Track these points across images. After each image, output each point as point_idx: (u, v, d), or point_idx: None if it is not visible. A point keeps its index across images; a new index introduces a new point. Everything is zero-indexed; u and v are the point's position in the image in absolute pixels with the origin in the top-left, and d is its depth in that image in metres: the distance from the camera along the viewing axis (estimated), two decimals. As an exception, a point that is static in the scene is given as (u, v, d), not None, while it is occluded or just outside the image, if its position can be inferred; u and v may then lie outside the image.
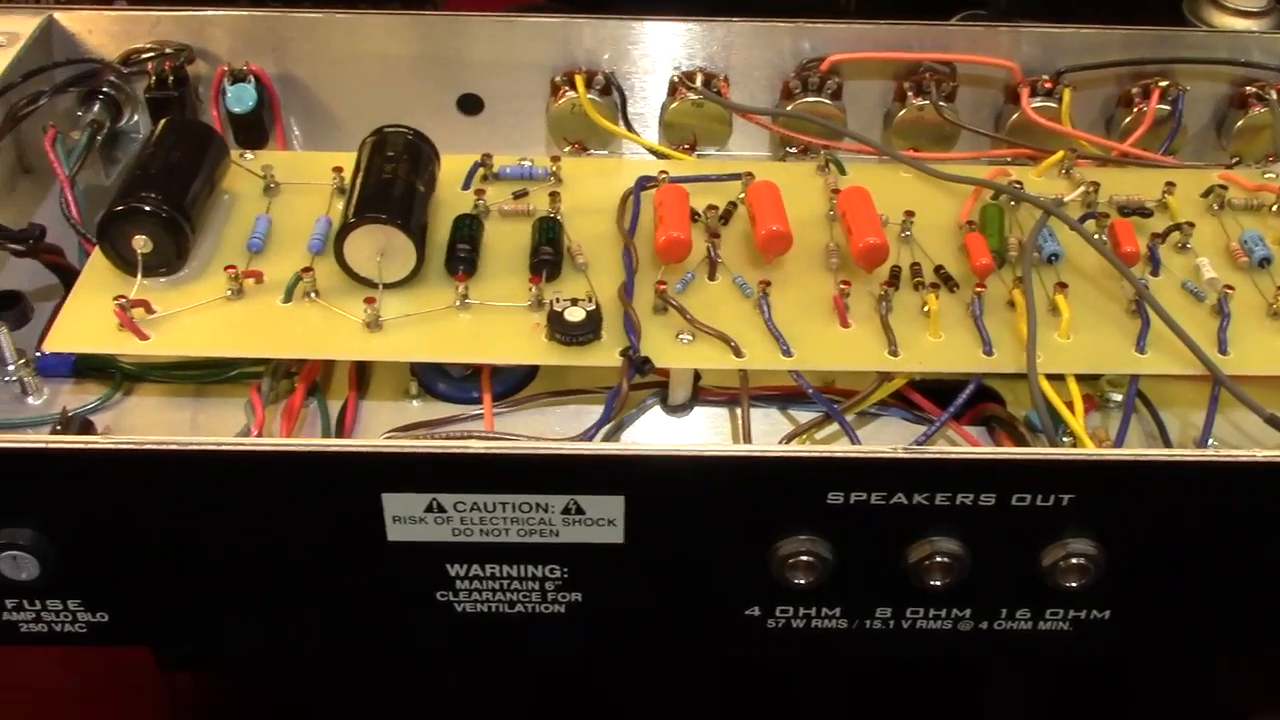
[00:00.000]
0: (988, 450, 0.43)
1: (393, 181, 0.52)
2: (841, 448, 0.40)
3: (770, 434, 0.50)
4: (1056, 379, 0.49)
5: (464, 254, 0.52)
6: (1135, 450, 0.46)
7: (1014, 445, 0.50)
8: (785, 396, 0.52)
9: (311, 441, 0.38)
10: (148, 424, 0.50)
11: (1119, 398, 0.52)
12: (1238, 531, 0.43)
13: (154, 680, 0.61)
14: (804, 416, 0.52)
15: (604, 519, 0.40)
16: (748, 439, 0.48)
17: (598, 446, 0.39)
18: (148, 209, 0.49)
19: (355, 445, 0.39)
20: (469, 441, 0.40)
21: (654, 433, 0.51)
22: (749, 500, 0.40)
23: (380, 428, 0.50)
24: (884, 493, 0.40)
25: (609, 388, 0.52)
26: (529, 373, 0.53)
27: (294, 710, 0.61)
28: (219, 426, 0.51)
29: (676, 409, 0.52)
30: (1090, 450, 0.45)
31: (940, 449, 0.41)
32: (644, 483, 0.40)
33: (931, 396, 0.51)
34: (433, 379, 0.52)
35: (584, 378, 0.52)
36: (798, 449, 0.39)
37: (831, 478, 0.39)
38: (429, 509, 0.40)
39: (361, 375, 0.52)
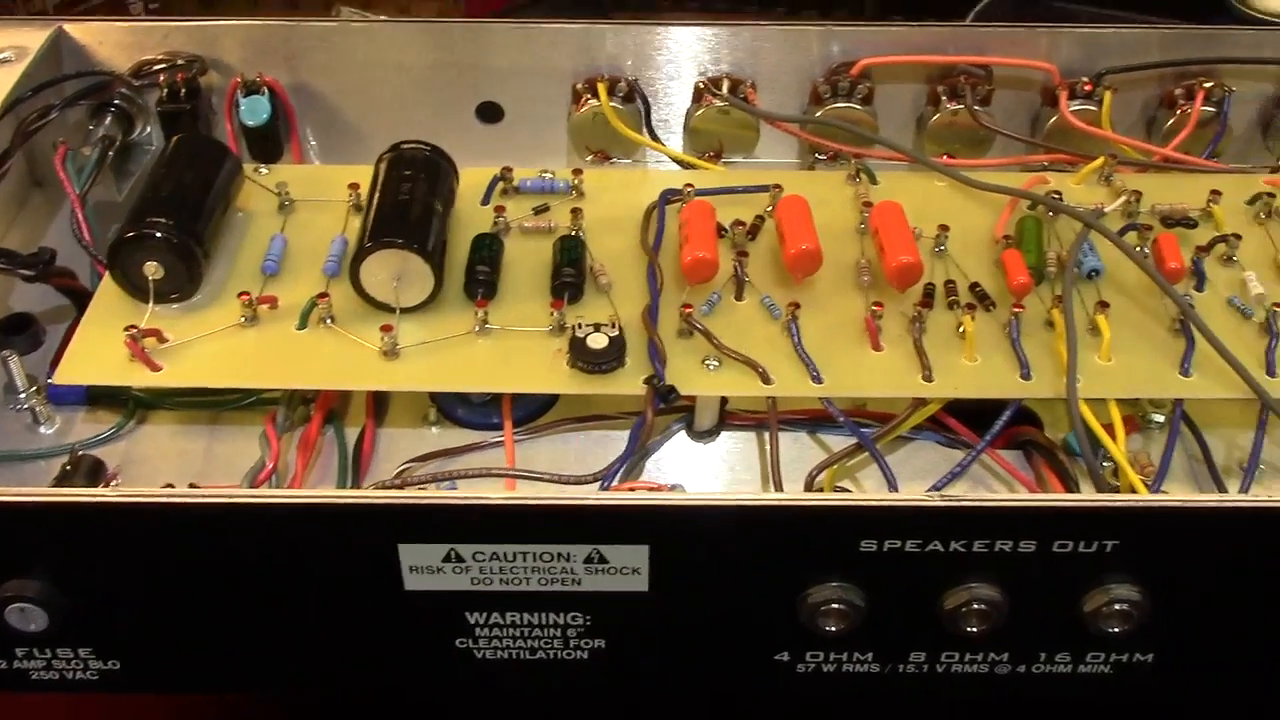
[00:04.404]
0: (1028, 498, 0.41)
1: (409, 203, 0.50)
2: (873, 496, 0.38)
3: (800, 460, 0.49)
4: (1096, 401, 0.47)
5: (483, 276, 0.50)
6: (1181, 497, 0.44)
7: (1051, 471, 0.48)
8: (815, 420, 0.51)
9: (323, 493, 0.37)
10: (161, 454, 0.50)
11: (1161, 418, 0.51)
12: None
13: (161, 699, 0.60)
14: (834, 439, 0.51)
15: (628, 568, 0.39)
16: (776, 471, 0.46)
17: (620, 497, 0.37)
18: (158, 235, 0.48)
19: (368, 497, 0.37)
20: (486, 493, 0.39)
21: (679, 459, 0.50)
22: (778, 549, 0.39)
23: (399, 456, 0.49)
24: (919, 540, 0.38)
25: (633, 413, 0.51)
26: (551, 397, 0.51)
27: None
28: (234, 455, 0.50)
29: (702, 434, 0.51)
30: (1135, 496, 0.43)
31: (978, 497, 0.40)
32: (669, 533, 0.38)
33: (967, 418, 0.50)
34: (452, 405, 0.51)
35: (608, 402, 0.51)
36: (828, 498, 0.38)
37: (864, 526, 0.38)
38: (446, 559, 0.39)
39: (379, 401, 0.51)
